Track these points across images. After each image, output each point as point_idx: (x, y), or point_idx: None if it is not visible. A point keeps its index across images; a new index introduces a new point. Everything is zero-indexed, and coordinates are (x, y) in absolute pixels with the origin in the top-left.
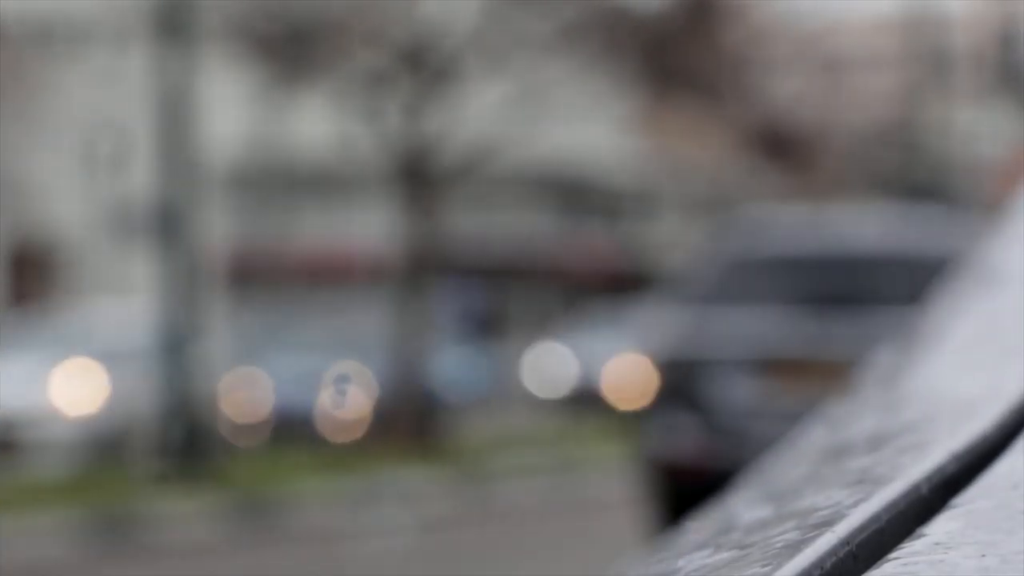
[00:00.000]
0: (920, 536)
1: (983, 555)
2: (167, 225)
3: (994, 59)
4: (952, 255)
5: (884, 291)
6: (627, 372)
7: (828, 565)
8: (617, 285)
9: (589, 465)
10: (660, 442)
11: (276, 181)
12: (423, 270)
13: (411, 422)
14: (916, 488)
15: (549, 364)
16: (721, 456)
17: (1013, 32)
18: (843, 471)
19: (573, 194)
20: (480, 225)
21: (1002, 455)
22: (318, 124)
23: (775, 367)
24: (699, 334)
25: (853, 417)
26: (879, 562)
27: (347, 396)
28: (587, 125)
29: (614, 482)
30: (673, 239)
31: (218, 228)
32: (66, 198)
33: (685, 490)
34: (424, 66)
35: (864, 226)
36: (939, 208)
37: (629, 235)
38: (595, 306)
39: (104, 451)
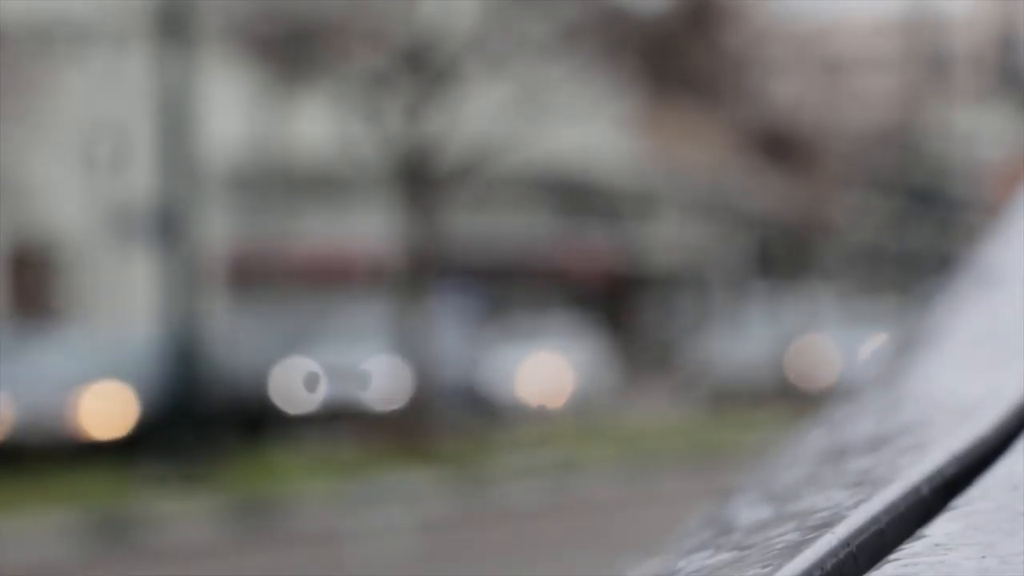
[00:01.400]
0: (920, 537)
1: (983, 556)
2: (167, 226)
3: (994, 61)
4: None
5: None
6: None
7: (828, 566)
8: (617, 286)
9: (589, 465)
10: None
11: (276, 182)
12: (423, 271)
13: (411, 422)
14: (916, 489)
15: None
16: None
17: (1013, 34)
18: (843, 472)
19: (573, 195)
20: (480, 226)
21: (1002, 456)
22: (318, 125)
23: None
24: None
25: (853, 418)
26: (879, 563)
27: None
28: (587, 126)
29: (614, 482)
30: (673, 240)
31: (218, 229)
32: (66, 199)
33: None
34: (424, 67)
35: None
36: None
37: (629, 236)
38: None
39: None
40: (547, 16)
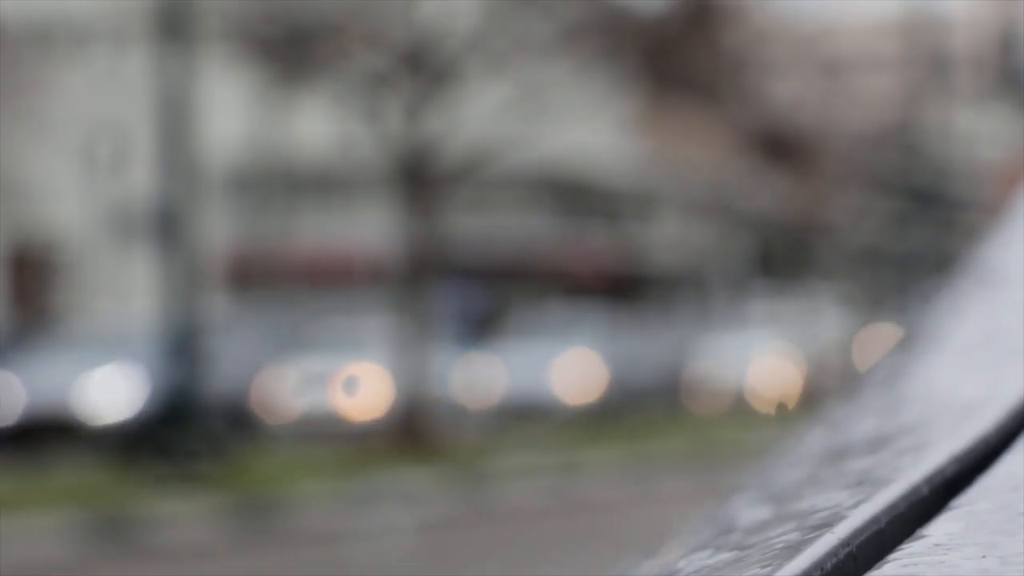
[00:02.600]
0: (920, 537)
1: (983, 556)
2: (167, 226)
3: (993, 62)
4: None
5: None
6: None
7: (828, 566)
8: (616, 286)
9: (589, 465)
10: None
11: (276, 182)
12: (423, 271)
13: (411, 423)
14: (916, 490)
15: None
16: None
17: (1012, 35)
18: (843, 472)
19: (573, 195)
20: (480, 226)
21: (1002, 457)
22: (318, 125)
23: None
24: None
25: (853, 418)
26: (879, 563)
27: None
28: (587, 126)
29: (614, 482)
30: (672, 240)
31: (218, 230)
32: (66, 199)
33: None
34: (424, 68)
35: None
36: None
37: (629, 236)
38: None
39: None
40: (547, 16)
